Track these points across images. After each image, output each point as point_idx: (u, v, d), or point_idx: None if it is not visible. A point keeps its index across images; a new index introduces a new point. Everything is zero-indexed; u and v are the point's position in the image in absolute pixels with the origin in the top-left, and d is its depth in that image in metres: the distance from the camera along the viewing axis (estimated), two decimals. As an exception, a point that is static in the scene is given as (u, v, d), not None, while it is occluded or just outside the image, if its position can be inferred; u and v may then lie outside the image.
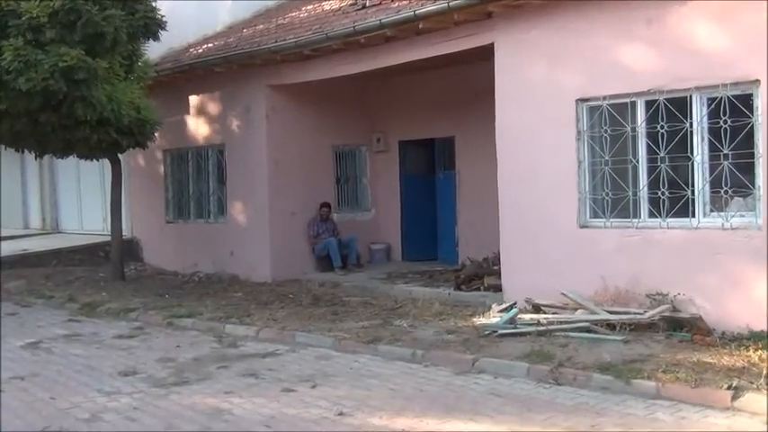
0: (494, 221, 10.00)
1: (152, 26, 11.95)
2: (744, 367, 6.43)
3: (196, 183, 14.84)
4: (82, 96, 11.17)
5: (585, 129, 9.00)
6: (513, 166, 9.56)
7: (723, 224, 7.94)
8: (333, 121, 13.89)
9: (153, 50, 13.85)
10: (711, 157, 8.04)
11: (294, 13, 14.12)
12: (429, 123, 13.62)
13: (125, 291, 12.56)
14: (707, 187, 8.10)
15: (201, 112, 14.32)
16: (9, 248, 16.00)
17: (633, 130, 8.65)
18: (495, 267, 10.46)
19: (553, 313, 8.59)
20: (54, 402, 6.65)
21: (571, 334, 7.84)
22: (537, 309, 8.83)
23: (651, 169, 8.51)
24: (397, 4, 10.97)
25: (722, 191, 7.93)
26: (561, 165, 9.09)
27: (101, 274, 14.29)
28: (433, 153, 14.17)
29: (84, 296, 12.12)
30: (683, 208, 8.27)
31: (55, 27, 10.77)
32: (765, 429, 5.38)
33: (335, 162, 14.19)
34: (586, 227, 8.99)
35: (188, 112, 14.52)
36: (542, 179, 9.28)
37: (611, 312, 8.16)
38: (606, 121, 8.83)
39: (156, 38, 12.20)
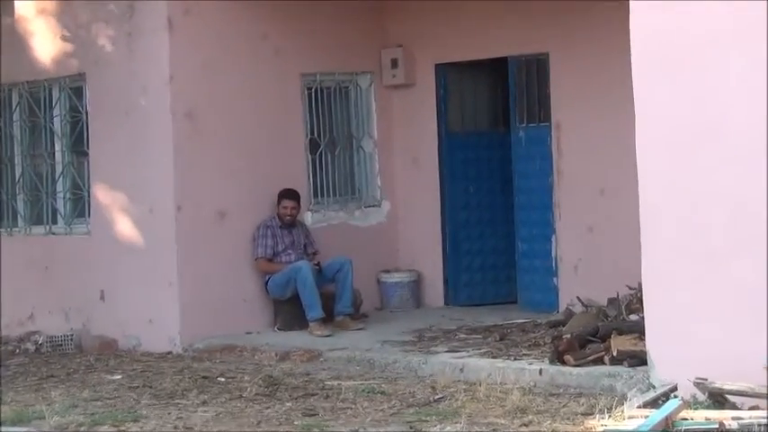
0: (629, 227, 10.06)
1: None
2: None
3: (29, 153, 15.03)
4: None
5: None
6: (664, 117, 9.57)
7: None
8: (304, 31, 14.03)
9: None
10: None
11: None
12: (496, 30, 13.73)
13: None
14: None
15: (40, 15, 14.46)
16: None
17: None
18: (633, 318, 10.52)
19: (752, 408, 8.62)
20: None
21: (789, 450, 7.89)
22: (719, 399, 8.84)
23: None
24: None
25: None
26: (758, 112, 9.10)
27: None
28: (506, 89, 14.26)
29: None
30: None
31: None
32: None
33: (309, 110, 14.34)
34: (815, 234, 9.02)
35: (12, 15, 14.66)
36: (720, 140, 9.25)
37: None
38: None
39: None
